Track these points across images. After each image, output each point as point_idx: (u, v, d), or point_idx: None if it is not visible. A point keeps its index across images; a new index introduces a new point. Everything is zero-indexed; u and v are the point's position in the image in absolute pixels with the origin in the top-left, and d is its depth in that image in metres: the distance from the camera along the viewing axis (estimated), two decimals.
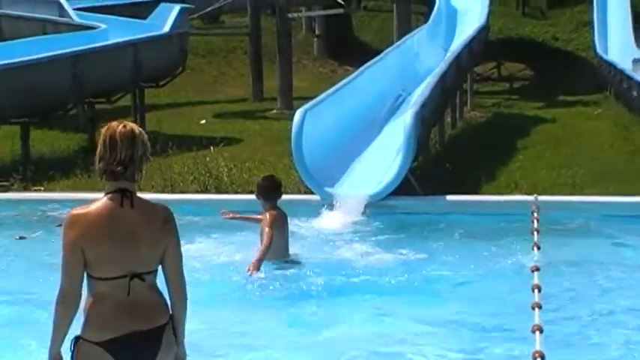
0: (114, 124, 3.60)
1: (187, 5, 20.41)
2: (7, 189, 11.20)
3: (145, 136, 3.62)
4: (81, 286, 3.55)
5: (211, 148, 13.10)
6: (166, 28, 17.83)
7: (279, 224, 7.50)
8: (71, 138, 16.39)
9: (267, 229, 7.32)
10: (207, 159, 11.78)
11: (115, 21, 18.70)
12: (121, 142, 3.53)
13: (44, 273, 6.90)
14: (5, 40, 19.35)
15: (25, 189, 11.27)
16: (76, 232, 3.51)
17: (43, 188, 11.46)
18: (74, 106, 15.35)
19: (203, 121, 19.30)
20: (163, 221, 3.61)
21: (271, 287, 7.07)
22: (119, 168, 3.53)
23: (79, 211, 3.56)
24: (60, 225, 8.06)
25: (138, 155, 3.57)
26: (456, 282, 7.32)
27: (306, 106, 10.59)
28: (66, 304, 3.52)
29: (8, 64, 13.25)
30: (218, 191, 10.68)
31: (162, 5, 19.97)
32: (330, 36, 27.23)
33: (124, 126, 3.58)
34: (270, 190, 7.58)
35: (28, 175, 11.85)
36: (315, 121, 10.46)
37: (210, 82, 26.32)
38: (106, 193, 3.58)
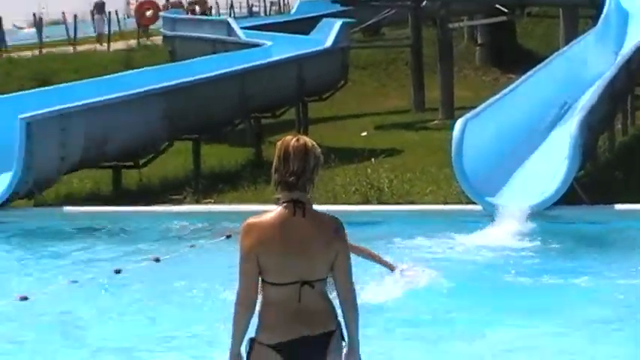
0: (288, 138, 3.79)
1: (349, 20, 20.70)
2: (180, 202, 11.75)
3: (318, 150, 3.78)
4: (256, 291, 3.74)
5: (372, 159, 13.24)
6: (328, 43, 18.17)
7: None
8: (238, 152, 16.97)
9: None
10: (369, 170, 11.92)
11: (279, 38, 19.26)
12: (294, 155, 3.71)
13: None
14: (178, 60, 20.35)
15: (197, 202, 11.78)
16: (251, 240, 3.70)
17: (213, 201, 11.94)
18: (241, 121, 15.89)
19: (364, 133, 19.51)
20: (334, 230, 3.75)
21: None
22: (292, 179, 3.70)
23: (254, 220, 3.75)
24: (229, 236, 8.47)
25: (309, 167, 3.73)
26: (626, 299, 7.05)
27: (467, 115, 10.56)
28: (243, 307, 3.73)
29: (181, 83, 13.86)
30: (379, 202, 10.80)
31: (324, 20, 20.38)
32: (493, 44, 26.87)
33: (297, 140, 3.76)
34: None
35: (200, 188, 12.38)
36: (476, 131, 10.40)
37: (371, 94, 26.54)
38: (280, 203, 3.77)
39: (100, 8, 33.04)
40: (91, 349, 6.43)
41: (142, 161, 13.19)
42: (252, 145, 16.49)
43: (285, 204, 3.74)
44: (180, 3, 33.84)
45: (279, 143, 3.78)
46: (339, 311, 3.78)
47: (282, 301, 3.69)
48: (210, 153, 15.90)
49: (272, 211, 3.76)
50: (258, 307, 3.76)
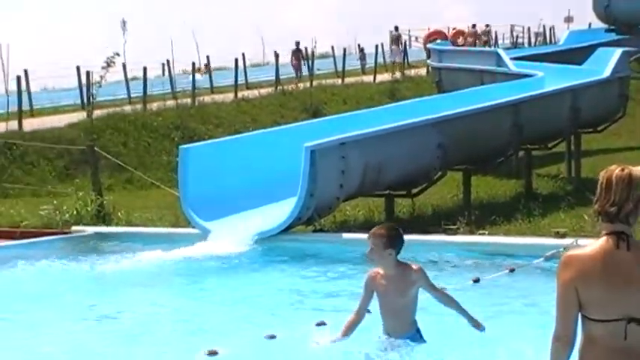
0: (612, 167, 3.65)
1: (630, 48, 19.80)
2: (454, 232, 11.69)
3: None
4: (576, 327, 3.60)
5: None
6: (606, 73, 17.48)
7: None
8: (506, 184, 16.68)
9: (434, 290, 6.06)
10: None
11: (551, 68, 18.83)
12: (616, 185, 3.57)
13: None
14: (445, 91, 20.49)
15: (471, 232, 11.65)
16: (571, 273, 3.58)
17: (487, 232, 11.76)
18: (513, 152, 15.62)
19: None
20: None
21: None
22: (612, 209, 3.56)
23: (573, 252, 3.63)
24: (512, 270, 8.19)
25: (633, 198, 3.57)
26: None
27: None
28: (560, 344, 3.60)
29: (456, 113, 13.83)
30: None
31: (601, 49, 19.67)
32: None
33: (622, 169, 3.62)
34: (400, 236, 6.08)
35: (472, 219, 12.24)
36: None
37: None
38: (603, 235, 3.62)
39: (396, 40, 35.28)
40: None
41: (414, 190, 13.30)
42: (522, 177, 16.16)
43: (606, 236, 3.59)
44: (476, 33, 34.52)
45: (602, 172, 3.66)
46: None
47: (606, 338, 3.54)
48: (478, 184, 15.74)
49: (594, 243, 3.62)
50: (578, 345, 3.62)
